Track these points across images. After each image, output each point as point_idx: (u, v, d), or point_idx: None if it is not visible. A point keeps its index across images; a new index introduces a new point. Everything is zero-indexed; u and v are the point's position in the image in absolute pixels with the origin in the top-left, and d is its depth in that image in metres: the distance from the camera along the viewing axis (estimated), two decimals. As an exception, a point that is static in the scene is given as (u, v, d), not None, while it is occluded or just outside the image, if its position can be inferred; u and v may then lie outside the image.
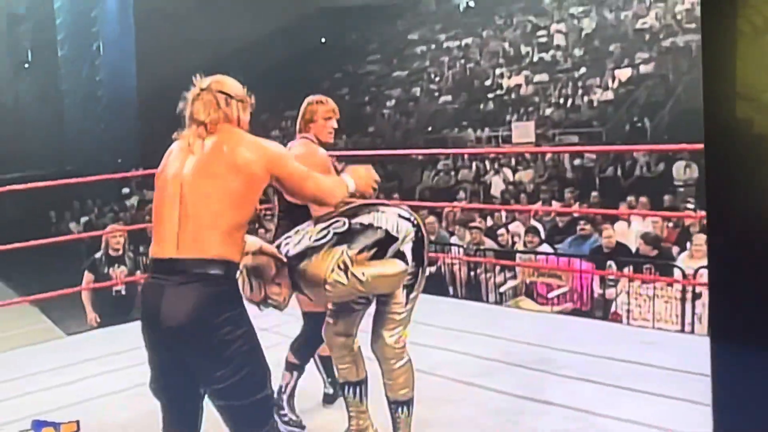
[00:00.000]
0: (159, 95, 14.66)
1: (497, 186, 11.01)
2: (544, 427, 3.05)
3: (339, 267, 2.49)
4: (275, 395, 2.56)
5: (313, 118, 3.12)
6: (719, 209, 1.45)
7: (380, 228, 2.64)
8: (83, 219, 12.99)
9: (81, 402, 3.52)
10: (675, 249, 6.54)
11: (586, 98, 12.89)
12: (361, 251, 2.56)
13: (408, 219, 2.72)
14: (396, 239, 2.64)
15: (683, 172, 10.04)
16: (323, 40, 18.61)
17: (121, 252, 5.34)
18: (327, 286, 2.47)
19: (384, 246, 2.61)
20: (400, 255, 2.64)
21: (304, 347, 3.22)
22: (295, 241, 2.56)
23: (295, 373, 3.20)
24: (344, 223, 2.61)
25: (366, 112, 16.47)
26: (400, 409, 2.83)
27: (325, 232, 2.57)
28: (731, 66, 1.37)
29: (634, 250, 6.39)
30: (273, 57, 16.60)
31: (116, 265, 5.31)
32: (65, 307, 5.99)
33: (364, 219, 2.65)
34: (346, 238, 2.57)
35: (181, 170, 2.14)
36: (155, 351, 2.14)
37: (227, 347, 2.08)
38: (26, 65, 20.83)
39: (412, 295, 2.74)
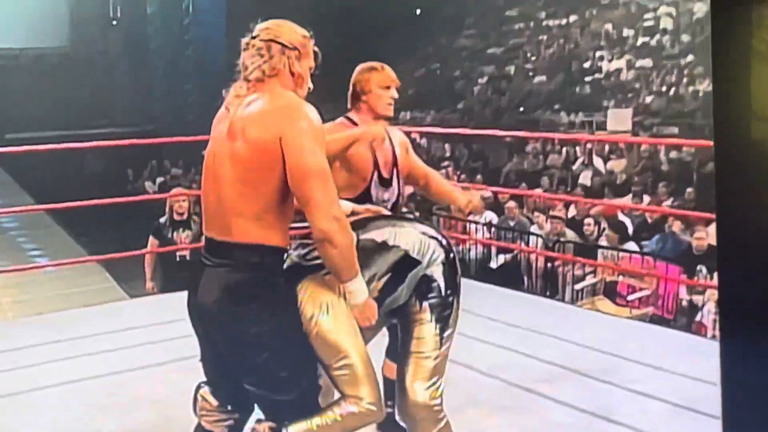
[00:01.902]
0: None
1: (586, 175, 10.54)
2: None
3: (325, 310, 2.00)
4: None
5: (365, 89, 2.57)
6: (731, 230, 1.37)
7: (397, 247, 2.12)
8: (159, 180, 13.20)
9: (119, 372, 3.44)
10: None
11: (691, 88, 12.18)
12: (371, 280, 2.06)
13: (434, 237, 2.18)
14: (418, 263, 2.13)
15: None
16: (418, 11, 18.25)
17: (186, 216, 5.25)
18: (312, 332, 2.00)
19: (402, 271, 2.11)
20: (426, 281, 2.13)
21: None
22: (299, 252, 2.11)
23: None
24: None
25: (457, 88, 16.12)
26: None
27: (310, 249, 2.10)
28: (746, 86, 1.33)
29: (728, 255, 5.93)
30: (366, 25, 16.39)
31: (181, 230, 5.23)
32: (131, 268, 6.00)
33: (377, 235, 2.13)
34: None
35: (218, 139, 1.96)
36: (195, 326, 2.04)
37: (251, 337, 1.91)
38: (114, 22, 21.21)
39: (447, 333, 2.18)
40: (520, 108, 14.22)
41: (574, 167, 10.99)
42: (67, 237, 9.47)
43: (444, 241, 2.18)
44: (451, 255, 2.19)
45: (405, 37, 15.52)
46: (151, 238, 5.18)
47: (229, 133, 1.93)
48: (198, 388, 2.14)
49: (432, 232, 2.19)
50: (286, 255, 2.03)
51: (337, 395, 2.06)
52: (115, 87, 20.67)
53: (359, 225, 2.12)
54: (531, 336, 3.87)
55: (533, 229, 7.18)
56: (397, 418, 2.22)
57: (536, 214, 7.41)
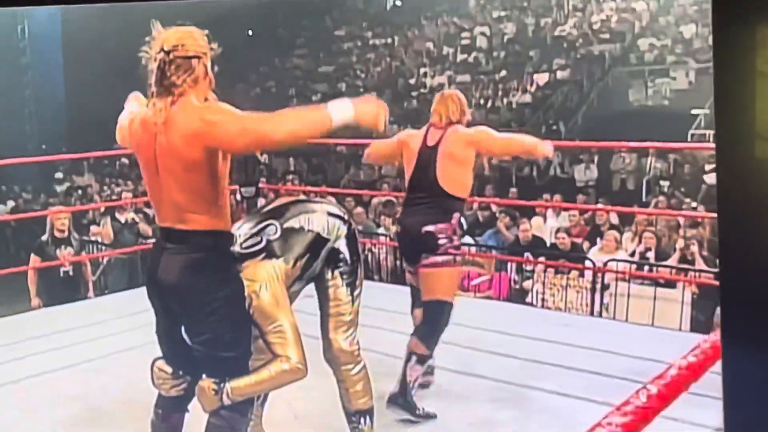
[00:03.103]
0: (85, 83, 14.43)
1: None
2: (476, 396, 3.41)
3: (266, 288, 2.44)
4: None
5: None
6: (735, 252, 1.41)
7: (311, 231, 2.58)
8: (10, 203, 12.67)
9: (30, 377, 3.65)
10: (586, 244, 7.06)
11: (505, 100, 13.45)
12: (295, 262, 2.52)
13: (337, 216, 2.66)
14: (327, 240, 2.59)
15: (584, 173, 10.76)
16: (250, 33, 18.60)
17: (66, 233, 5.43)
18: (252, 304, 2.42)
19: (316, 249, 2.57)
20: (334, 253, 2.60)
21: (429, 336, 3.20)
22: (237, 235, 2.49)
23: (425, 366, 3.20)
24: (276, 229, 2.54)
25: (292, 106, 16.57)
26: (362, 420, 2.73)
27: (258, 238, 2.51)
28: (750, 106, 1.33)
29: (549, 244, 6.87)
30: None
31: (63, 247, 5.40)
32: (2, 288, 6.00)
33: (295, 222, 2.57)
34: (279, 246, 2.51)
35: (152, 143, 2.30)
36: (154, 302, 2.41)
37: (207, 307, 2.33)
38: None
39: (356, 293, 2.66)
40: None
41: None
42: None
43: (346, 217, 2.69)
44: (352, 228, 2.68)
45: (239, 58, 15.79)
46: (33, 255, 5.31)
47: (163, 146, 2.26)
48: (153, 362, 2.52)
49: (335, 210, 2.69)
50: (232, 239, 2.45)
51: (267, 356, 2.52)
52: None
53: (278, 213, 2.57)
54: (399, 317, 4.45)
55: (381, 231, 7.85)
56: (325, 362, 2.68)
57: (382, 217, 8.08)
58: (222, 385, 2.38)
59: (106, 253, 6.58)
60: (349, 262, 2.64)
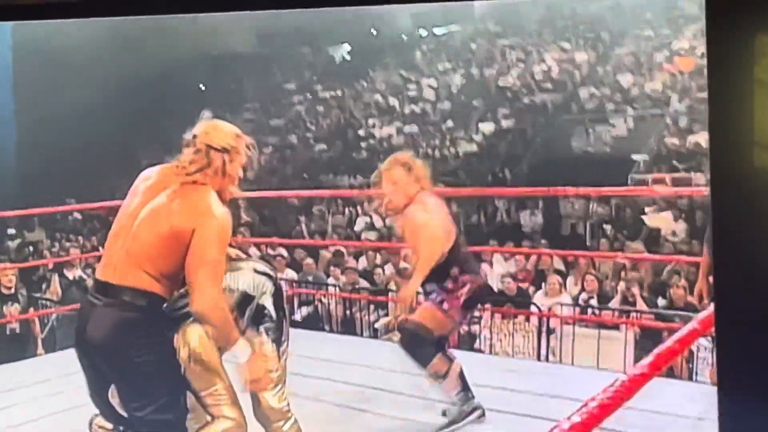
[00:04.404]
0: (38, 136, 14.27)
1: (368, 231, 11.49)
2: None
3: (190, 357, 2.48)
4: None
5: None
6: (728, 253, 1.41)
7: (237, 290, 2.61)
8: (-40, 260, 12.36)
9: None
10: (531, 289, 7.20)
11: (452, 149, 13.72)
12: None
13: (263, 273, 2.72)
14: (252, 297, 2.64)
15: (529, 219, 11.00)
16: (202, 87, 18.68)
17: (13, 290, 5.39)
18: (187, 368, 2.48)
19: (242, 307, 2.62)
20: (260, 309, 2.65)
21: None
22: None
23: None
24: None
25: (243, 158, 16.58)
26: None
27: (182, 302, 2.54)
28: (748, 114, 1.32)
29: (496, 289, 6.99)
30: (150, 101, 16.50)
31: (9, 303, 5.35)
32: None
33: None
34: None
35: (143, 205, 2.38)
36: (83, 361, 2.42)
37: (135, 368, 2.35)
38: None
39: (282, 348, 2.69)
40: (305, 174, 15.02)
41: (357, 226, 11.93)
42: None
43: (272, 273, 2.78)
44: (277, 284, 2.75)
45: (190, 112, 15.85)
46: None
47: (162, 211, 2.37)
48: (91, 420, 2.54)
49: (262, 267, 2.77)
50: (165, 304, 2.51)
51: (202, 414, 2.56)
52: None
53: None
54: (344, 366, 4.51)
55: (330, 281, 7.91)
56: (255, 420, 2.74)
57: (332, 268, 8.14)
58: None
59: (54, 310, 6.50)
60: (274, 318, 2.68)
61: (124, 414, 2.44)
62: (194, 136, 2.49)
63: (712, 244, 1.43)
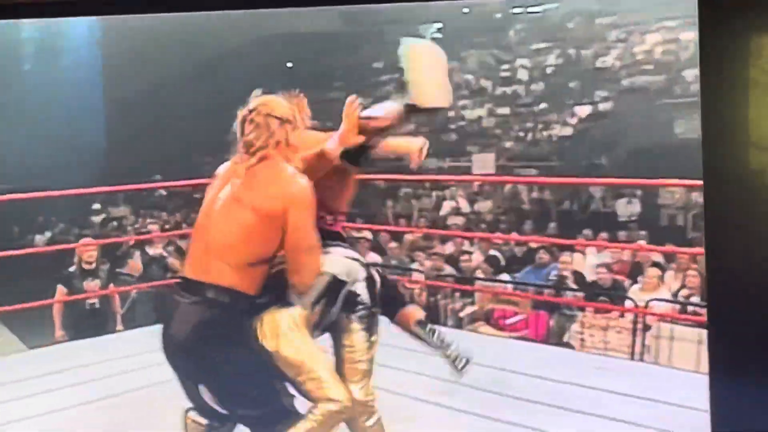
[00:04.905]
0: (126, 112, 14.64)
1: (455, 216, 11.22)
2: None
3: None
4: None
5: None
6: (720, 252, 1.43)
7: (327, 273, 2.55)
8: (47, 233, 12.81)
9: (45, 414, 3.55)
10: (627, 282, 6.79)
11: (545, 133, 13.26)
12: (313, 307, 2.50)
13: (355, 259, 2.65)
14: (345, 283, 2.57)
15: (625, 208, 10.44)
16: (290, 65, 18.75)
17: (94, 266, 5.42)
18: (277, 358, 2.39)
19: (334, 293, 2.55)
20: (352, 296, 2.56)
21: None
22: None
23: None
24: None
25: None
26: None
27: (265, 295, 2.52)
28: (743, 116, 1.40)
29: (589, 280, 6.62)
30: (237, 80, 16.63)
31: (90, 279, 5.39)
32: (29, 321, 6.01)
33: None
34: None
35: (216, 196, 2.28)
36: (169, 358, 2.31)
37: (222, 365, 2.21)
38: (-8, 75, 20.26)
39: (372, 338, 2.61)
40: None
41: (444, 210, 11.66)
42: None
43: (363, 260, 2.67)
44: (370, 271, 2.65)
45: (278, 90, 15.92)
46: (59, 287, 5.30)
47: (235, 197, 2.24)
48: (186, 412, 2.41)
49: (353, 254, 2.66)
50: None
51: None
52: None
53: None
54: (426, 357, 4.28)
55: (415, 266, 7.68)
56: None
57: (416, 252, 7.91)
58: None
59: (134, 287, 6.55)
60: (367, 306, 2.57)
61: (219, 409, 2.31)
62: (251, 110, 2.34)
63: (705, 242, 1.47)
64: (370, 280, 2.62)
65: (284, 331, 2.36)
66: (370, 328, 2.58)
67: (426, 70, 2.51)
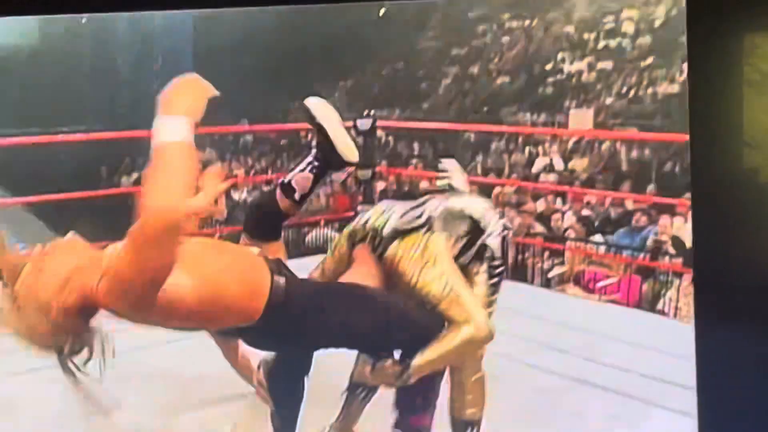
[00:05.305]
0: (215, 54, 14.76)
1: (547, 173, 10.87)
2: (589, 409, 3.05)
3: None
4: None
5: None
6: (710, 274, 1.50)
7: (471, 216, 2.45)
8: (135, 175, 13.17)
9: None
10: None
11: (650, 90, 12.61)
12: (455, 241, 2.40)
13: (495, 211, 2.58)
14: (482, 232, 2.47)
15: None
16: (382, 11, 18.45)
17: None
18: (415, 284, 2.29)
19: (473, 238, 2.45)
20: (484, 249, 2.45)
21: None
22: (385, 218, 2.43)
23: None
24: (438, 205, 2.42)
25: (421, 88, 16.34)
26: (469, 431, 2.56)
27: (419, 211, 2.41)
28: (737, 114, 1.43)
29: (689, 247, 6.25)
30: (327, 27, 16.51)
31: None
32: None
33: (457, 203, 2.47)
34: (440, 223, 2.38)
35: None
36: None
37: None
38: (83, 20, 20.86)
39: (494, 297, 2.50)
40: (484, 108, 14.50)
41: (536, 167, 11.29)
42: (49, 231, 9.42)
43: (502, 216, 2.61)
44: (506, 227, 2.56)
45: (369, 38, 15.69)
46: None
47: None
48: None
49: (491, 205, 2.62)
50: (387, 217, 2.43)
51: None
52: (83, 88, 20.34)
53: (438, 193, 2.51)
54: (515, 316, 4.10)
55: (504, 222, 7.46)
56: None
57: (506, 208, 7.67)
58: (406, 361, 2.27)
59: (218, 230, 6.59)
60: (497, 262, 2.47)
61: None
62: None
63: (693, 245, 1.47)
64: (504, 238, 2.51)
65: (429, 251, 2.29)
66: (495, 286, 2.48)
67: (338, 125, 2.38)
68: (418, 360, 2.22)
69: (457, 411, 2.50)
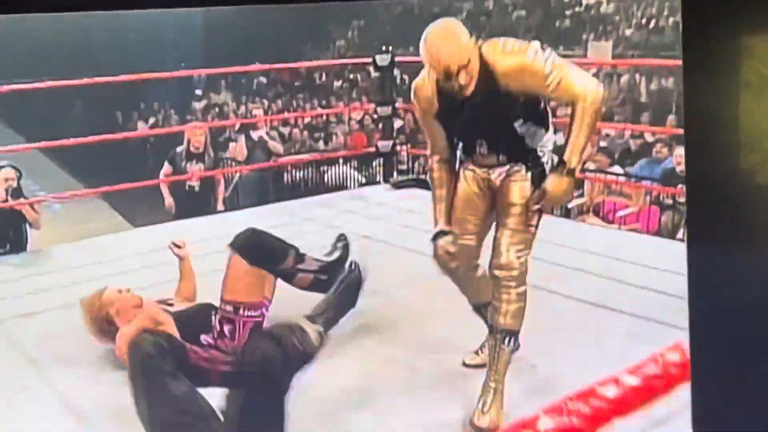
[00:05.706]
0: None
1: (567, 107, 10.77)
2: (609, 331, 3.10)
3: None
4: None
5: None
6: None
7: None
8: (151, 120, 13.21)
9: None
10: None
11: (671, 20, 12.37)
12: None
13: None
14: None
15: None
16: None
17: (201, 150, 5.48)
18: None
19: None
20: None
21: None
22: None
23: None
24: None
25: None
26: (507, 340, 2.59)
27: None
28: (733, 116, 1.31)
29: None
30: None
31: (194, 161, 5.46)
32: (134, 202, 6.21)
33: None
34: None
35: None
36: None
37: None
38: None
39: (537, 221, 2.59)
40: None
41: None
42: (67, 176, 9.58)
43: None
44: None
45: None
46: (166, 164, 5.43)
47: None
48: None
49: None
50: None
51: None
52: (96, 37, 20.22)
53: None
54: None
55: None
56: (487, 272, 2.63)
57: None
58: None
59: (238, 168, 6.65)
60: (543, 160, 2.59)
61: None
62: None
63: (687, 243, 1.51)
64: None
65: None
66: (541, 212, 2.57)
67: None
68: (567, 153, 2.41)
69: (497, 318, 2.52)
